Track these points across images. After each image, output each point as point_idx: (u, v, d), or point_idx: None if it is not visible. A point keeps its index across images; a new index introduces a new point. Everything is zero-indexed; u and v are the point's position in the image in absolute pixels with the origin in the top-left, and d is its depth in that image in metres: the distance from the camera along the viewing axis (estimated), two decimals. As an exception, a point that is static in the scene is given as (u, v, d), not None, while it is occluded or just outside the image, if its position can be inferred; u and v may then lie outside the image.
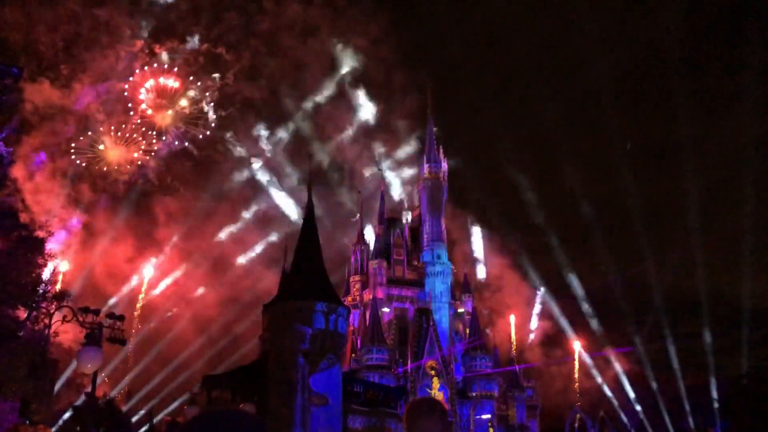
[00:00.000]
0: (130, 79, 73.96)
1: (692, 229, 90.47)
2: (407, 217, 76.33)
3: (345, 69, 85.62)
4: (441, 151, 76.29)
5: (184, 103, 76.71)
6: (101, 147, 72.36)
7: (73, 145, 68.82)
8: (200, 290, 79.16)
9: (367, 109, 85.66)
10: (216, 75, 77.63)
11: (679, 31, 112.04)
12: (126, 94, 74.08)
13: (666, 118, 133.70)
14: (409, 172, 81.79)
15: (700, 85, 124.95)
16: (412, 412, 3.42)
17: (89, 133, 71.46)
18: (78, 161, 69.86)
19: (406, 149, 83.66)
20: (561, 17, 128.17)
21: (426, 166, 74.94)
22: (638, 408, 74.95)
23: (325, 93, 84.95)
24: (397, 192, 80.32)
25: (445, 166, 75.38)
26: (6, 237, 20.22)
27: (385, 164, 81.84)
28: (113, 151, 73.45)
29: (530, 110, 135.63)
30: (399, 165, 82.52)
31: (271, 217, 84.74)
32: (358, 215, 75.97)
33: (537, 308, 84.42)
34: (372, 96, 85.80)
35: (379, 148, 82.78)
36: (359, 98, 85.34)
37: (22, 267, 19.91)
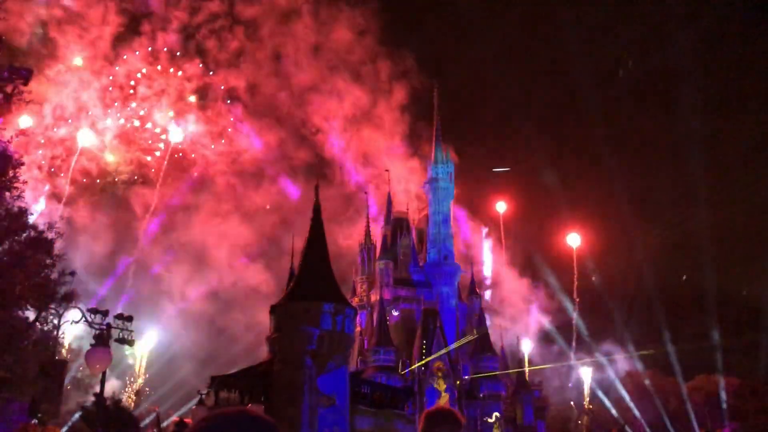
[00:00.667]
0: (117, 68, 72.11)
1: (702, 227, 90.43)
2: (414, 217, 76.31)
3: (333, 60, 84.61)
4: (448, 150, 76.33)
5: (192, 99, 75.76)
6: (83, 139, 70.50)
7: (41, 140, 66.49)
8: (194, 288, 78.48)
9: (358, 101, 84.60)
10: (200, 64, 75.80)
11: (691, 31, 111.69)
12: (111, 88, 72.66)
13: (675, 113, 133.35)
14: (414, 171, 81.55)
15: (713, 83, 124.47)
16: (428, 422, 3.45)
17: (70, 121, 69.76)
18: (54, 156, 68.19)
19: (409, 148, 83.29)
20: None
21: (432, 165, 74.91)
22: (636, 413, 74.65)
23: (312, 84, 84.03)
24: (402, 191, 79.76)
25: (452, 165, 75.36)
26: (15, 238, 20.36)
27: (391, 163, 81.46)
28: (112, 154, 72.56)
29: (527, 110, 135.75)
30: (404, 165, 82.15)
31: (265, 211, 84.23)
32: (366, 215, 75.98)
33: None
34: (360, 86, 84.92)
35: (381, 145, 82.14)
36: (348, 89, 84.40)
37: (31, 268, 20.03)
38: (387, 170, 78.71)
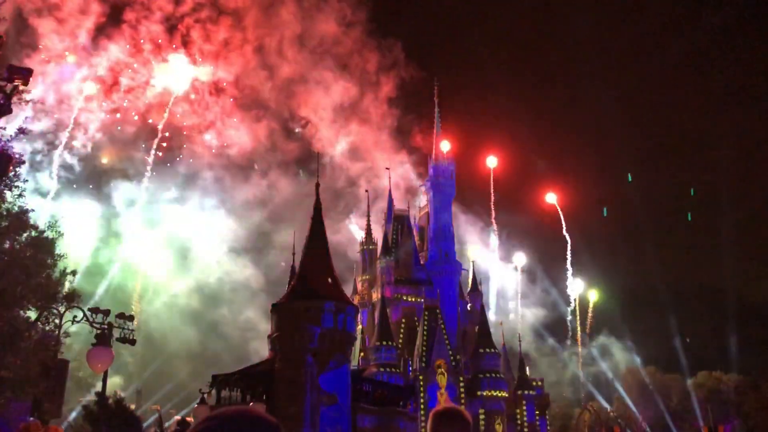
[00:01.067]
0: (100, 60, 70.23)
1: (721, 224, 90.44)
2: (415, 215, 76.19)
3: (321, 52, 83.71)
4: (449, 148, 76.18)
5: (191, 95, 74.11)
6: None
7: (29, 133, 64.61)
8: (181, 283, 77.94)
9: (347, 93, 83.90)
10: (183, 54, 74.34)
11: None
12: (101, 88, 70.96)
13: (696, 110, 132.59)
14: (404, 165, 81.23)
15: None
16: (436, 422, 3.45)
17: (56, 116, 67.97)
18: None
19: (398, 139, 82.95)
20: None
21: (433, 164, 74.81)
22: (634, 409, 74.70)
23: (300, 76, 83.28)
24: (392, 184, 79.07)
25: (452, 163, 75.24)
26: (16, 238, 20.35)
27: (380, 155, 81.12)
28: (107, 154, 71.39)
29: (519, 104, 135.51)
30: (394, 157, 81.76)
31: (253, 205, 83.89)
32: (366, 213, 75.92)
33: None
34: (349, 78, 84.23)
35: (370, 138, 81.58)
36: (337, 82, 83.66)
37: (32, 268, 20.01)
38: (387, 168, 78.63)
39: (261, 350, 71.79)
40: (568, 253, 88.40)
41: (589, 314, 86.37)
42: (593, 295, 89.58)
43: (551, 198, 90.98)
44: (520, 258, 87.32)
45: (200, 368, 68.27)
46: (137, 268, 75.26)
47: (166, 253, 77.82)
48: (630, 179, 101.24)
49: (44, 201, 64.10)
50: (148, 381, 70.64)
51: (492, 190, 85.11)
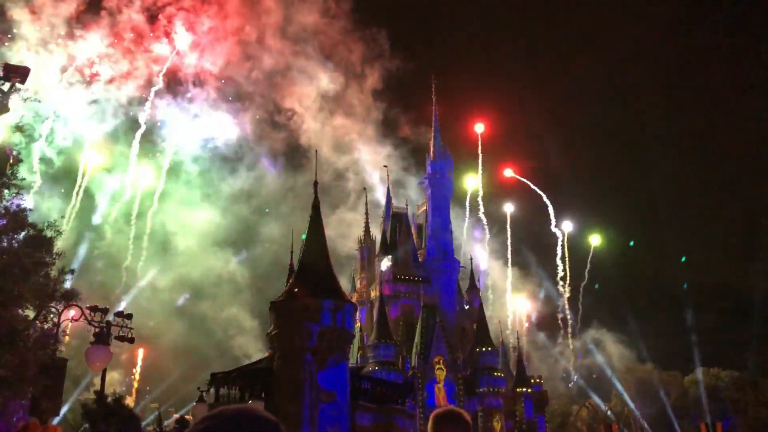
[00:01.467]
0: (84, 53, 68.11)
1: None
2: (413, 212, 76.19)
3: (307, 44, 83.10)
4: (446, 146, 76.17)
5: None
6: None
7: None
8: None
9: (332, 85, 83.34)
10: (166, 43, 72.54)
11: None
12: (81, 79, 69.36)
13: (704, 103, 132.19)
14: (391, 158, 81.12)
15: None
16: (436, 423, 3.46)
17: (35, 109, 66.17)
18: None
19: (385, 131, 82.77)
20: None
21: (431, 162, 74.82)
22: (631, 405, 74.79)
23: (285, 68, 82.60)
24: (380, 178, 78.64)
25: (450, 161, 75.24)
26: (14, 236, 20.32)
27: (366, 148, 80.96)
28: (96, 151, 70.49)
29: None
30: (381, 150, 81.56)
31: (239, 198, 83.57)
32: (365, 211, 75.94)
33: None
34: (335, 70, 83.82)
35: (355, 130, 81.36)
36: (322, 73, 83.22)
37: (30, 267, 19.98)
38: (385, 166, 78.54)
39: (245, 347, 71.99)
40: (548, 202, 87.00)
41: (587, 266, 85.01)
42: (595, 240, 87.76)
43: (508, 173, 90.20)
44: (509, 207, 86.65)
45: (189, 364, 68.31)
46: (119, 262, 74.87)
47: (149, 247, 77.20)
48: (632, 243, 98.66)
49: (26, 195, 62.23)
50: (143, 377, 70.66)
51: (479, 176, 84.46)
